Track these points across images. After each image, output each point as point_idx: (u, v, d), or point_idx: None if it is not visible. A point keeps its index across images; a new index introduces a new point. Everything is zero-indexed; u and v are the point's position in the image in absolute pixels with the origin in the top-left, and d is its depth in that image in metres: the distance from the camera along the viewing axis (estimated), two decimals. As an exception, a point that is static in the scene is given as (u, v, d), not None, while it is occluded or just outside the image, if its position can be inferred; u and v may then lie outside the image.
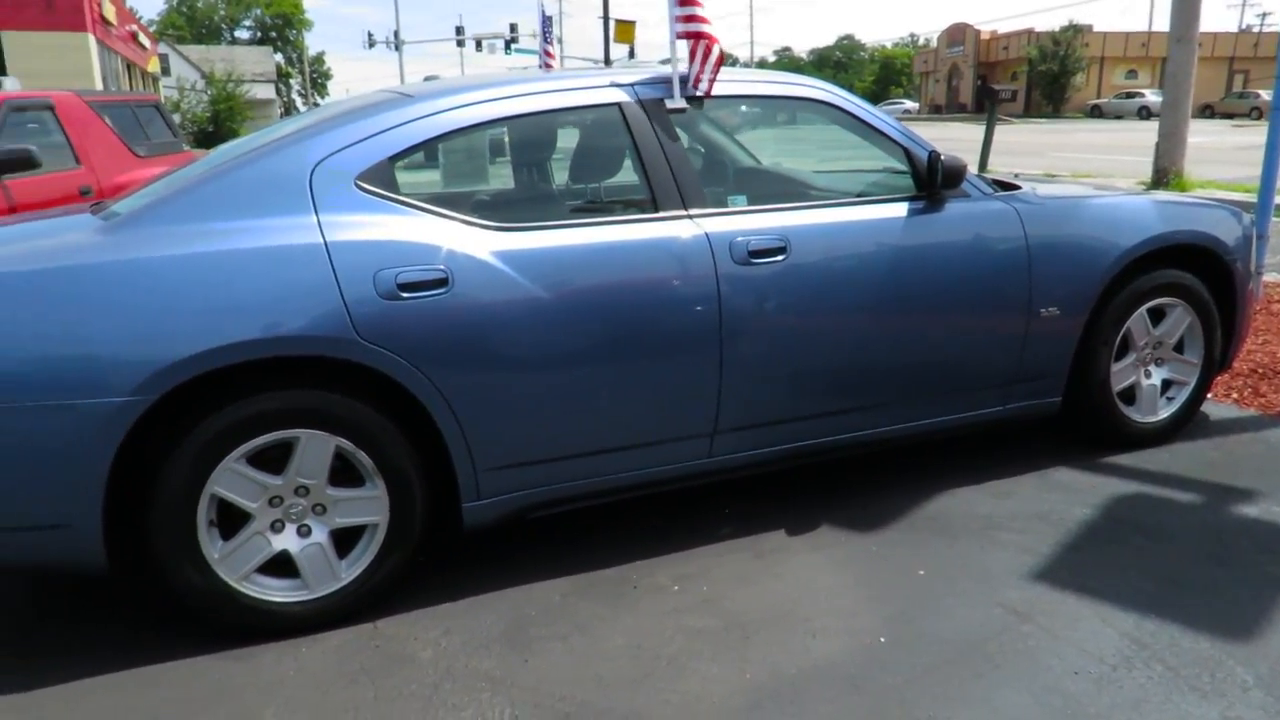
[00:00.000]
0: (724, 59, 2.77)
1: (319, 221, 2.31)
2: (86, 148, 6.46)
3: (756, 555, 2.78)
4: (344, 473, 2.40)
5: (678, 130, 2.80)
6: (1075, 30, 47.62)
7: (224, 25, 68.95)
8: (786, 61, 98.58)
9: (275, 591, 2.38)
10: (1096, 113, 43.10)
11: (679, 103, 2.78)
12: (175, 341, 2.13)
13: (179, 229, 2.26)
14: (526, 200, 3.42)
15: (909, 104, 57.71)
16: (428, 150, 2.58)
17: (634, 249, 2.58)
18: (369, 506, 2.43)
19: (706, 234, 2.66)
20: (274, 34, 68.97)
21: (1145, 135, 24.70)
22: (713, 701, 2.13)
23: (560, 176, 3.35)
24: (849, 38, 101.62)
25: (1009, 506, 3.05)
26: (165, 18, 65.08)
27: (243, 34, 69.39)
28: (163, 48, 40.67)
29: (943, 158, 2.90)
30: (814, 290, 2.76)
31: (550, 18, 5.89)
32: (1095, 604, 2.46)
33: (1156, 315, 3.40)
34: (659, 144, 2.72)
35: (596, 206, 2.96)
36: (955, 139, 24.03)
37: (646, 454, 2.70)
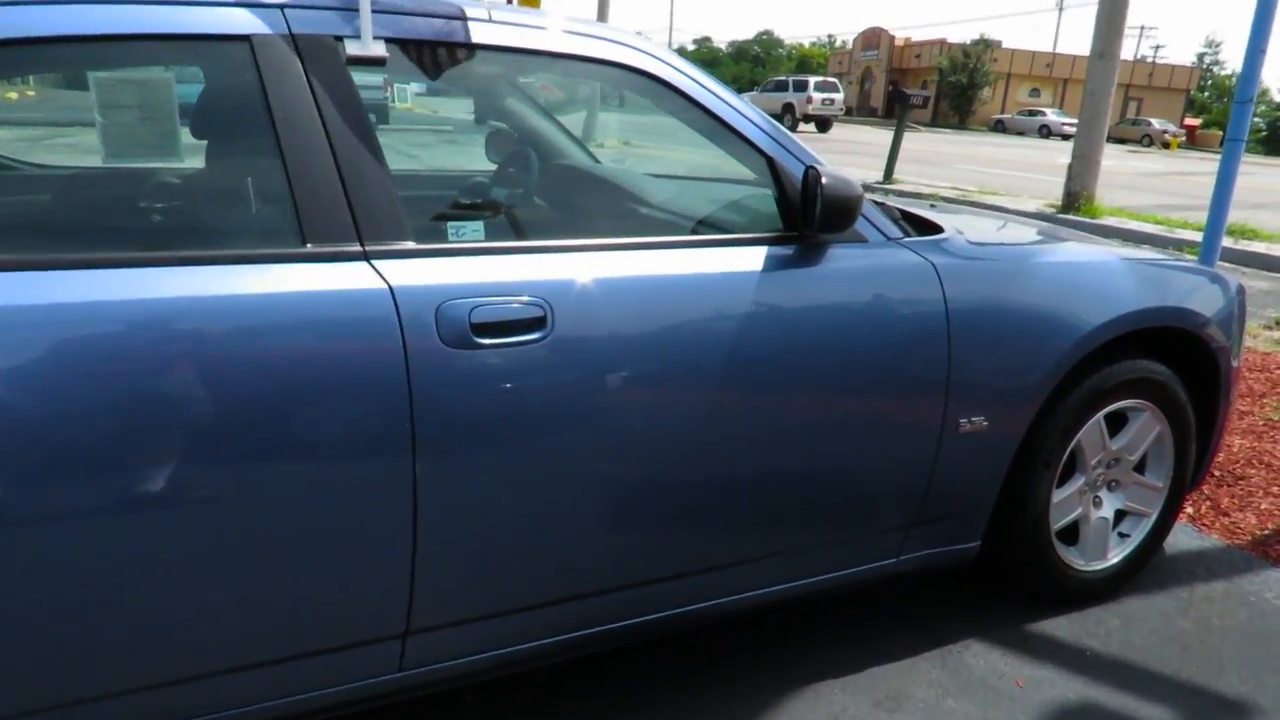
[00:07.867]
0: None
1: None
2: None
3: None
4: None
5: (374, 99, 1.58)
6: (985, 45, 47.96)
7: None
8: (705, 52, 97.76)
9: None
10: (1000, 127, 43.45)
11: (370, 48, 1.56)
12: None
13: None
14: None
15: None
16: None
17: (236, 312, 1.36)
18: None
19: (391, 289, 1.46)
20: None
21: (1047, 154, 24.72)
22: None
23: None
24: (768, 33, 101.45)
25: (898, 723, 1.97)
26: None
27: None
28: None
29: (824, 180, 1.74)
30: (583, 399, 1.59)
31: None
32: None
33: (1115, 422, 2.37)
34: (319, 121, 1.50)
35: (160, 231, 1.72)
36: (866, 143, 23.45)
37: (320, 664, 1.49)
